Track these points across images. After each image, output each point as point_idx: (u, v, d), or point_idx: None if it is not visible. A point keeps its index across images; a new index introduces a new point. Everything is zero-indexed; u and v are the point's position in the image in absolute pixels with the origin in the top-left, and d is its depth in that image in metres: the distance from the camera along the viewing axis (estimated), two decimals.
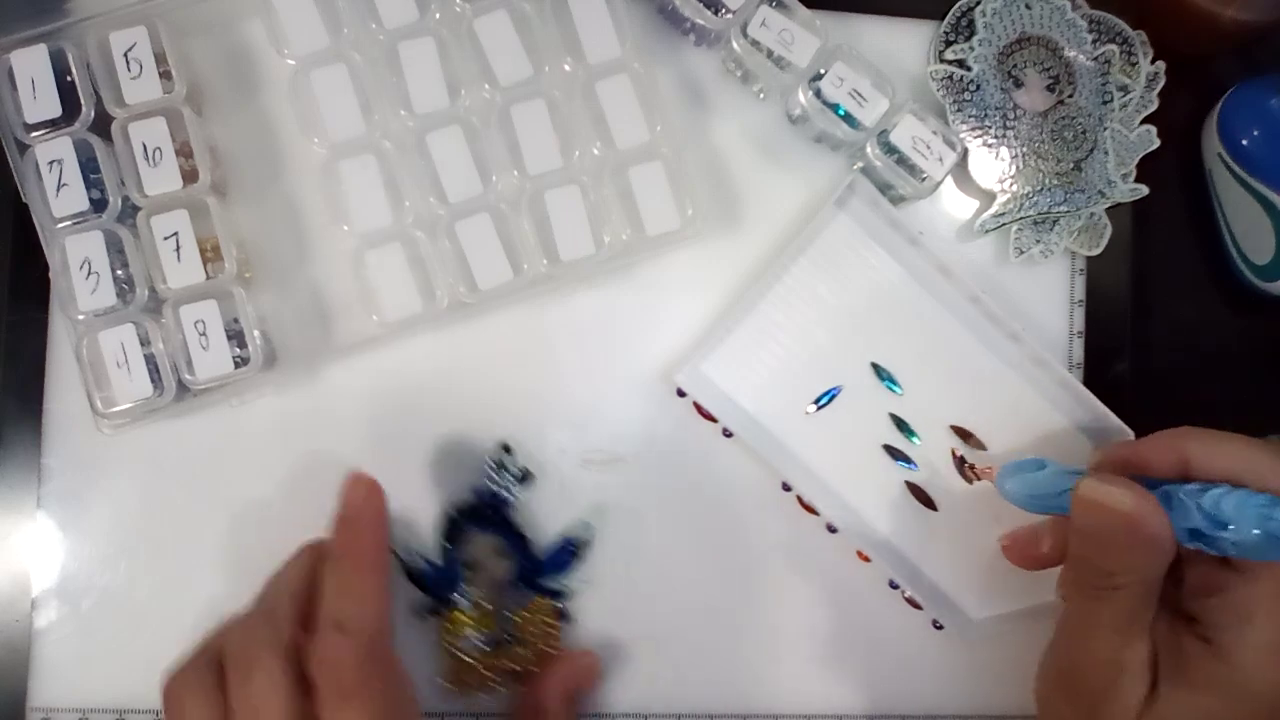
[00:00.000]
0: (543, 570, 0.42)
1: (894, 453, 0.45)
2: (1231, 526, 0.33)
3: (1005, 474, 0.40)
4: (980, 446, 0.46)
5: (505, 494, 0.42)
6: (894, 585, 0.45)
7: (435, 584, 0.42)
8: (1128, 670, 0.35)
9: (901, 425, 0.46)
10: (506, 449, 0.43)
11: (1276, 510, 0.32)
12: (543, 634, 0.42)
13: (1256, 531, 0.32)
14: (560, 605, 0.43)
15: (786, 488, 0.45)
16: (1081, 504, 0.35)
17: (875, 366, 0.46)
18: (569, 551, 0.43)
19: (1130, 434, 0.45)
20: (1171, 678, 0.35)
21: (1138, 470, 0.36)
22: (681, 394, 0.44)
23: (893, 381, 0.46)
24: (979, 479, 0.44)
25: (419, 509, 0.44)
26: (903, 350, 0.46)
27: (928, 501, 0.45)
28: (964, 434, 0.46)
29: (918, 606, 0.45)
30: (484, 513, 0.42)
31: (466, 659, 0.41)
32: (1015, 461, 0.40)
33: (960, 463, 0.45)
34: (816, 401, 0.45)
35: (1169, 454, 0.36)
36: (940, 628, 0.45)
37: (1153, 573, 0.34)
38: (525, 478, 0.43)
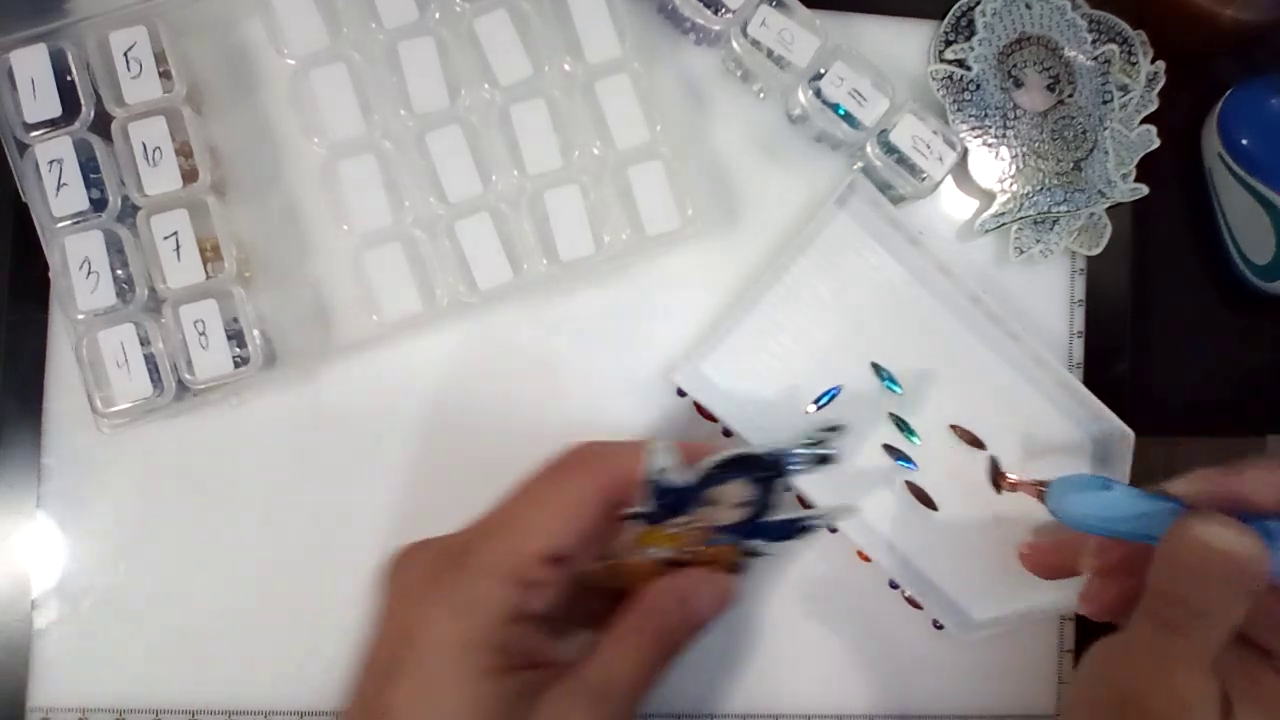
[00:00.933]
0: (757, 533, 0.37)
1: (894, 453, 0.45)
2: None
3: (1062, 491, 0.37)
4: (980, 446, 0.46)
5: (795, 464, 0.37)
6: (894, 585, 0.45)
7: (670, 498, 0.36)
8: (1201, 706, 0.33)
9: (901, 425, 0.46)
10: (835, 429, 0.37)
11: None
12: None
13: None
14: (744, 562, 0.37)
15: (786, 488, 0.44)
16: (1192, 544, 0.32)
17: (875, 366, 0.46)
18: (794, 529, 0.37)
19: (1130, 434, 0.45)
20: (1250, 713, 0.33)
21: (1235, 504, 0.34)
22: (681, 394, 0.44)
23: (893, 381, 0.46)
24: (1013, 490, 0.42)
25: (418, 509, 0.44)
26: (903, 350, 0.46)
27: (928, 501, 0.45)
28: (964, 434, 0.46)
29: (918, 606, 0.45)
30: (763, 468, 0.36)
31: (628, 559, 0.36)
32: (1071, 478, 0.37)
33: (996, 473, 0.43)
34: (816, 401, 0.45)
35: (1271, 492, 0.33)
36: (940, 628, 0.45)
37: (1243, 612, 0.33)
38: (824, 460, 0.37)
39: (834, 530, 0.44)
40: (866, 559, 0.45)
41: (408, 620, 0.33)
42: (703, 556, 0.36)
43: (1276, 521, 0.33)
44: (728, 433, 0.44)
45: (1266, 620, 0.34)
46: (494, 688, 0.32)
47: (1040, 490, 0.38)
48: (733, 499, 0.36)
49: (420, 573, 0.34)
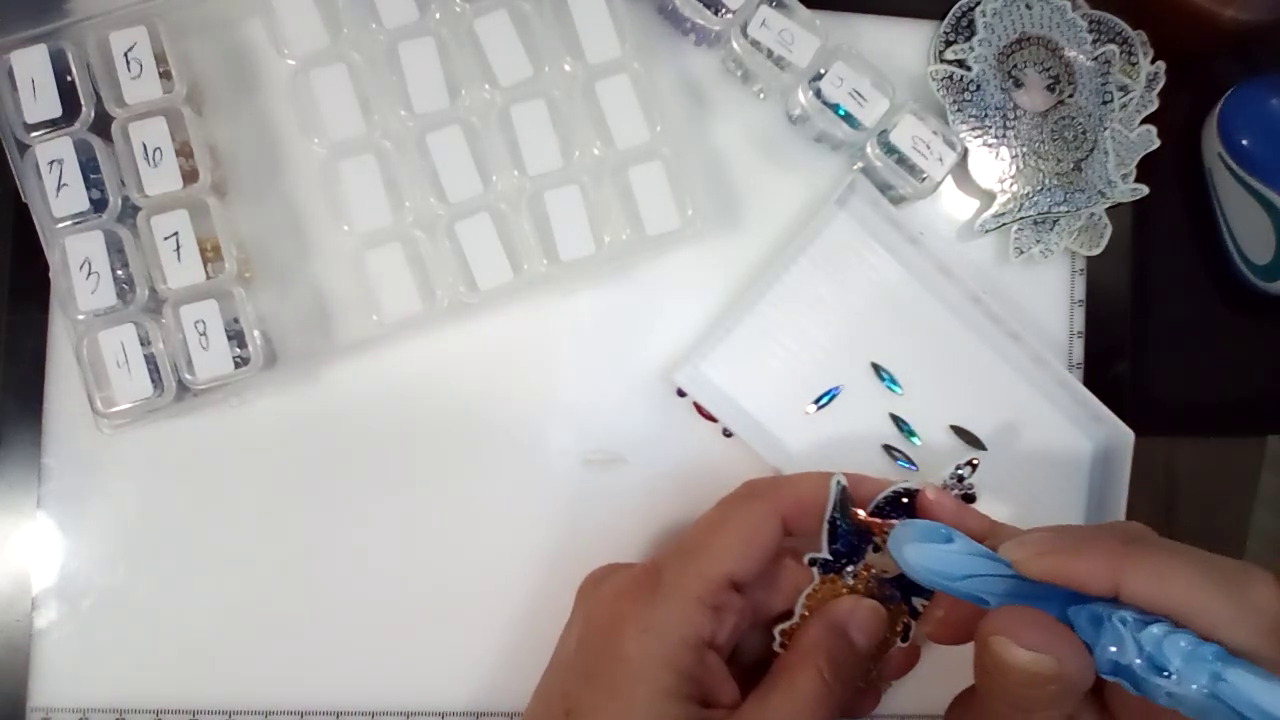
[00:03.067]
0: (918, 588, 0.37)
1: (894, 453, 0.45)
2: (1172, 676, 0.27)
3: (902, 538, 0.34)
4: (980, 446, 0.46)
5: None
6: None
7: (843, 541, 0.37)
8: None
9: (901, 425, 0.46)
10: (974, 465, 0.40)
11: (1231, 670, 0.27)
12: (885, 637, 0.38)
13: (1205, 691, 0.27)
14: (910, 624, 0.38)
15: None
16: (991, 653, 0.30)
17: (875, 366, 0.46)
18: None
19: (1130, 434, 0.45)
20: None
21: (1065, 585, 0.30)
22: (681, 394, 0.44)
23: (893, 381, 0.46)
24: (862, 526, 0.38)
25: (419, 509, 0.44)
26: (903, 350, 0.46)
27: None
28: (964, 434, 0.46)
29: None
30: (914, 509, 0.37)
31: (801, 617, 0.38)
32: (914, 524, 0.34)
33: (844, 503, 0.37)
34: (816, 401, 0.45)
35: (1104, 577, 0.30)
36: None
37: (1067, 709, 0.31)
38: (968, 499, 0.40)
39: None
40: None
41: (611, 637, 0.35)
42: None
43: (1109, 607, 0.29)
44: (728, 433, 0.45)
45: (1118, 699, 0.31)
46: (676, 711, 0.33)
47: (884, 532, 0.37)
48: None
49: (618, 590, 0.36)
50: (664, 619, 0.35)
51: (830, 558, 0.37)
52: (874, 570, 0.37)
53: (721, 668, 0.36)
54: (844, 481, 0.37)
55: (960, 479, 0.41)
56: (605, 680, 0.34)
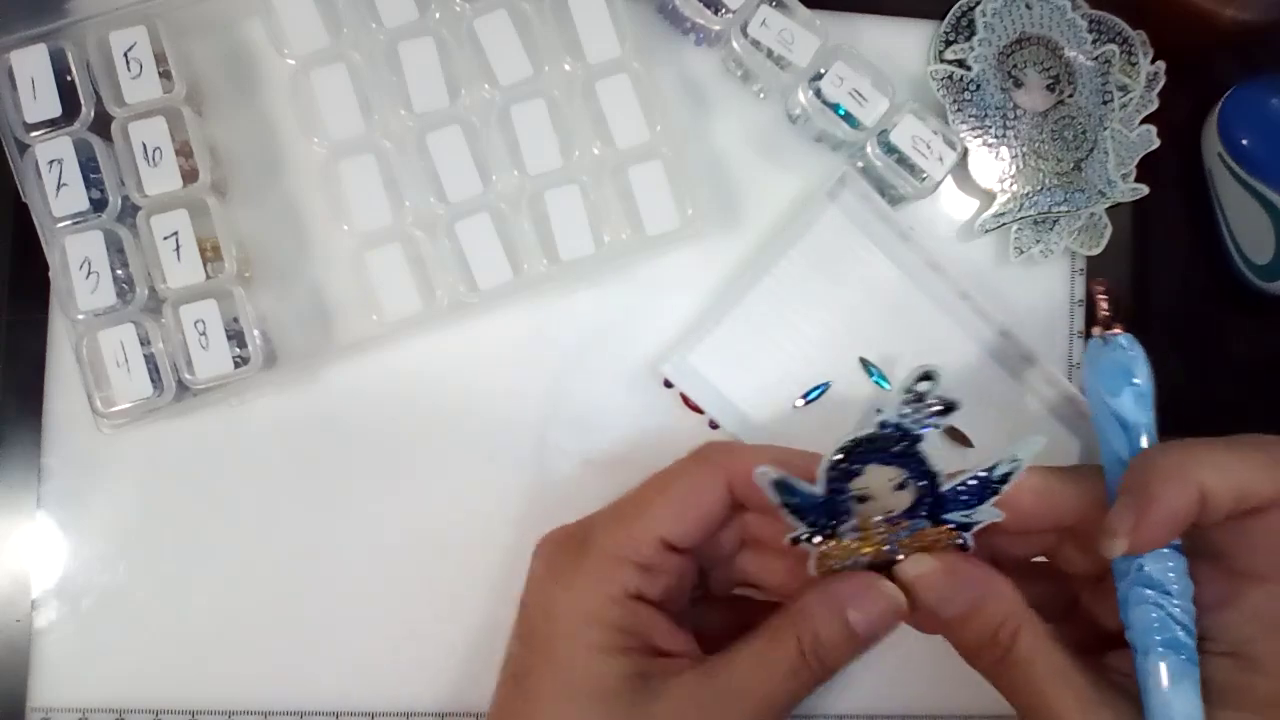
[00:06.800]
0: (947, 507, 0.35)
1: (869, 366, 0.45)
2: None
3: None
4: (967, 444, 0.46)
5: (918, 428, 0.34)
6: None
7: (814, 514, 0.34)
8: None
9: None
10: (929, 377, 0.34)
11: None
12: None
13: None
14: (962, 538, 0.35)
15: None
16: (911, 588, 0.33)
17: (864, 361, 0.46)
18: (985, 490, 0.34)
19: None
20: (1209, 701, 0.32)
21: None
22: (668, 384, 0.44)
23: (881, 377, 0.46)
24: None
25: (418, 508, 0.44)
26: (891, 345, 0.46)
27: None
28: (951, 430, 0.46)
29: None
30: (886, 446, 0.34)
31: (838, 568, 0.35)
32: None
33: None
34: (805, 396, 0.45)
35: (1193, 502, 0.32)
36: None
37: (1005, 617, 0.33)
38: (949, 409, 0.34)
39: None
40: None
41: (540, 598, 0.35)
42: (913, 548, 0.35)
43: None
44: (714, 425, 0.45)
45: None
46: (613, 664, 0.33)
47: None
48: (885, 484, 0.34)
49: (548, 554, 0.36)
50: (587, 576, 0.34)
51: (810, 530, 0.34)
52: (878, 517, 0.34)
53: (663, 621, 0.35)
54: (771, 473, 0.33)
55: (920, 396, 0.33)
56: (540, 640, 0.34)
